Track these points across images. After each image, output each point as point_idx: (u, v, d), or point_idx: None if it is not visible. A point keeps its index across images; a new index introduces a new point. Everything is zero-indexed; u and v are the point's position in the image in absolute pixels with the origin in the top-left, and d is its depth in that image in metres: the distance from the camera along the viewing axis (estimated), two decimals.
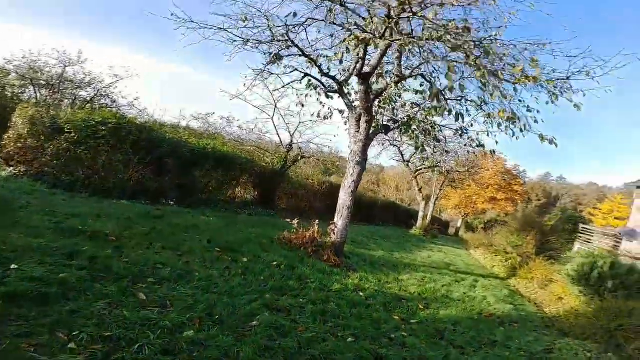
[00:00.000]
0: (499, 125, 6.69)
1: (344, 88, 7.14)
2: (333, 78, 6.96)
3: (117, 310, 2.65)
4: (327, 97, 7.51)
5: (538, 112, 6.19)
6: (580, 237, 13.96)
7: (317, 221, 7.02)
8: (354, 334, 3.57)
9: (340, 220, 6.89)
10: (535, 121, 6.14)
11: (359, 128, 6.93)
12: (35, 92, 10.81)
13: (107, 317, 2.52)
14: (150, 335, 2.44)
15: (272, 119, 12.43)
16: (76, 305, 2.55)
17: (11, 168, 6.49)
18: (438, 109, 6.81)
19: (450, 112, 5.81)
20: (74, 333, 2.21)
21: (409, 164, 19.49)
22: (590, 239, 13.55)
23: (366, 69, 6.48)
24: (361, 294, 5.01)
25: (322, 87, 7.34)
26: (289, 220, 7.12)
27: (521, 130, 5.84)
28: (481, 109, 6.79)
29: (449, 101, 6.40)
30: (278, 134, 12.95)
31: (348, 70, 7.03)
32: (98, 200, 6.38)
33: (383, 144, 17.84)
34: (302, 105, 8.15)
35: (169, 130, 9.55)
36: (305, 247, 6.50)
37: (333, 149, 15.42)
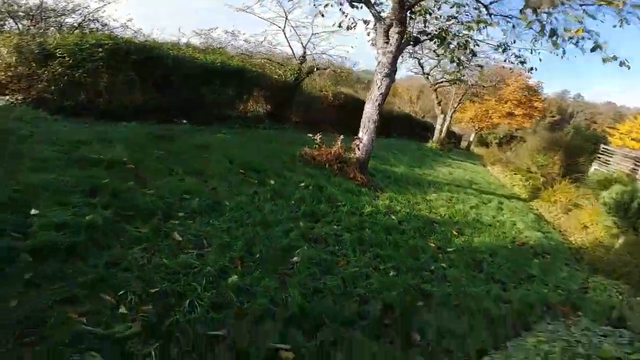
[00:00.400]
0: (554, 42, 5.99)
1: None
2: None
3: (156, 258, 2.43)
4: (352, 6, 6.82)
5: (597, 34, 5.56)
6: (599, 157, 13.02)
7: (341, 136, 6.60)
8: (394, 266, 3.49)
9: (365, 134, 6.51)
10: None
11: (388, 39, 6.32)
12: (17, 24, 9.71)
13: (147, 267, 2.30)
14: (197, 287, 2.24)
15: (283, 30, 11.44)
16: (111, 254, 2.30)
17: (7, 97, 6.05)
18: (479, 24, 6.31)
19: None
20: (120, 293, 1.97)
21: (429, 77, 18.18)
22: (609, 160, 12.63)
23: None
24: (393, 217, 4.87)
25: None
26: (310, 135, 6.67)
27: (592, 50, 5.12)
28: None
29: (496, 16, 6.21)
30: (290, 46, 11.95)
31: None
32: (103, 123, 5.86)
33: (402, 56, 16.34)
34: (322, 15, 7.53)
35: (170, 47, 8.69)
36: (330, 164, 6.21)
37: (349, 60, 14.16)
